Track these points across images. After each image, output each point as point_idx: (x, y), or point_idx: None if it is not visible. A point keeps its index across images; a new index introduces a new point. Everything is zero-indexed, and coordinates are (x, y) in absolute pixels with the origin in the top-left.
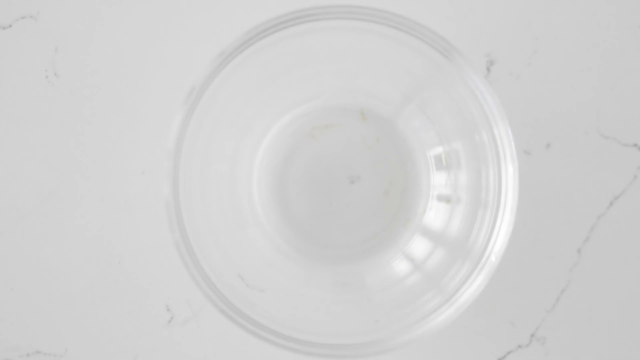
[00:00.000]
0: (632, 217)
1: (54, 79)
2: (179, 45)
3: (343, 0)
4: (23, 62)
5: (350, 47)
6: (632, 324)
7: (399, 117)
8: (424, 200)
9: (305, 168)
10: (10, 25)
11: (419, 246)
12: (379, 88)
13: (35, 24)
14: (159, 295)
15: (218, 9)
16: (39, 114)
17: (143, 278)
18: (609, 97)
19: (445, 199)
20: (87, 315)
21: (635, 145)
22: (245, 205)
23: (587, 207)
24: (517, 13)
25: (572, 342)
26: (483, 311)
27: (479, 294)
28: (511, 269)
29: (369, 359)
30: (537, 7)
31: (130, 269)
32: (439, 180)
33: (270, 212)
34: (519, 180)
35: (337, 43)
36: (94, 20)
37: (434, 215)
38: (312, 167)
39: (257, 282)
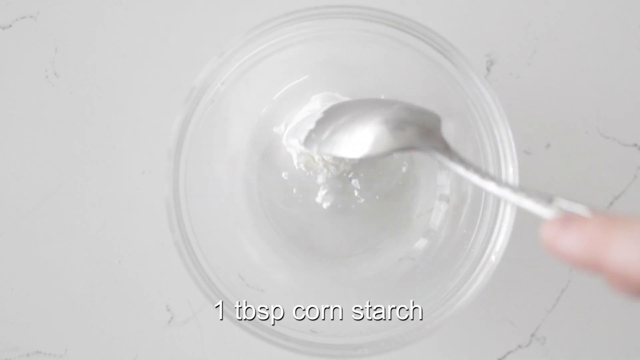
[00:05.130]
0: None
1: (54, 79)
2: (179, 45)
3: (343, 0)
4: (23, 62)
5: (351, 47)
6: (631, 324)
7: None
8: (425, 200)
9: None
10: (10, 25)
11: (419, 246)
12: (379, 88)
13: (35, 24)
14: (159, 295)
15: (218, 9)
16: (39, 114)
17: (143, 278)
18: (609, 97)
19: (445, 199)
20: (87, 315)
21: (635, 145)
22: (246, 205)
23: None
24: (517, 13)
25: (572, 342)
26: (483, 311)
27: (479, 294)
28: (511, 269)
29: (369, 358)
30: (537, 7)
31: (130, 269)
32: (439, 181)
33: (270, 212)
34: (519, 180)
35: (338, 43)
36: (94, 20)
37: (435, 215)
38: None
39: (257, 282)
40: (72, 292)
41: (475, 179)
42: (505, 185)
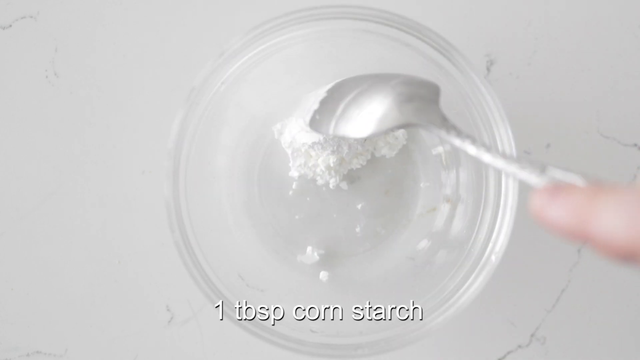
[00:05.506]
0: None
1: (54, 79)
2: (179, 45)
3: (343, 0)
4: (23, 62)
5: (351, 47)
6: (631, 323)
7: None
8: (425, 200)
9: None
10: (10, 25)
11: (419, 246)
12: None
13: (35, 24)
14: (159, 295)
15: (218, 9)
16: (39, 114)
17: (143, 278)
18: (609, 97)
19: (445, 198)
20: (87, 315)
21: (635, 145)
22: (246, 205)
23: None
24: (517, 13)
25: (572, 342)
26: (483, 311)
27: (479, 294)
28: (511, 269)
29: (369, 359)
30: (537, 7)
31: (130, 269)
32: (440, 180)
33: (270, 212)
34: (519, 181)
35: (338, 43)
36: (94, 20)
37: (435, 215)
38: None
39: (257, 282)
40: (72, 292)
41: (471, 149)
42: (500, 155)
